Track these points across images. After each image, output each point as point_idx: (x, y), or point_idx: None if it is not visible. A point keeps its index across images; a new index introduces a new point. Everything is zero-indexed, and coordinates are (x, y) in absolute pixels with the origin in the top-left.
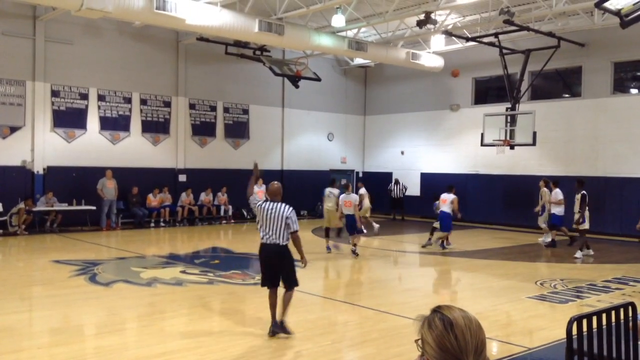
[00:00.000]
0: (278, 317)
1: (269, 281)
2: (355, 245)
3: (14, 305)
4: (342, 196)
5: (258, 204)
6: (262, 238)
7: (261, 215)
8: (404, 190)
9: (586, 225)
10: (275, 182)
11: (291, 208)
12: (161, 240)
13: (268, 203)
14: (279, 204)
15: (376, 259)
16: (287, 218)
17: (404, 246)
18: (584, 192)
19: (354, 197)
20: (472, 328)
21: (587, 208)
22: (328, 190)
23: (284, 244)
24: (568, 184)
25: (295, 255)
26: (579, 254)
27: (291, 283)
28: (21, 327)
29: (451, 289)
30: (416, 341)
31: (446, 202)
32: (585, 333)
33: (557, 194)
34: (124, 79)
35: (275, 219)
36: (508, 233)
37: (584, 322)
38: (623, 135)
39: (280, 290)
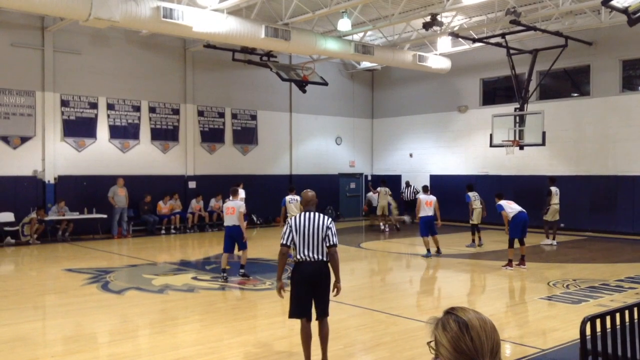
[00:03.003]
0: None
1: (305, 309)
2: (243, 267)
3: (28, 314)
4: (227, 203)
5: (292, 217)
6: (299, 256)
7: (297, 228)
8: (414, 192)
9: (547, 217)
10: (309, 190)
11: (330, 218)
12: (172, 247)
13: (304, 214)
14: (316, 213)
15: (387, 261)
16: (328, 228)
17: (413, 248)
18: (550, 188)
19: (239, 204)
20: (487, 329)
21: (549, 201)
22: (289, 197)
23: (326, 260)
24: (579, 184)
25: None
26: (547, 241)
27: (326, 309)
28: (35, 336)
29: (463, 291)
30: (429, 343)
31: (432, 204)
32: (599, 333)
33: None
34: (133, 87)
35: (315, 232)
36: None
37: (598, 322)
38: (633, 133)
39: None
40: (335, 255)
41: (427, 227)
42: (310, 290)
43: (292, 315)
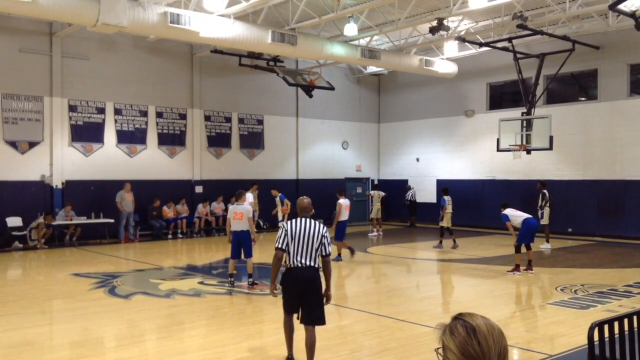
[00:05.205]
0: None
1: (293, 306)
2: (251, 276)
3: (35, 319)
4: (231, 207)
5: (286, 222)
6: (290, 262)
7: (292, 234)
8: (410, 197)
9: (544, 221)
10: (305, 197)
11: (325, 226)
12: (179, 251)
13: (299, 220)
14: (312, 220)
15: (394, 266)
16: (323, 237)
17: (420, 253)
18: (544, 191)
19: (247, 209)
20: (495, 334)
21: (546, 205)
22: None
23: (317, 266)
24: (587, 188)
25: None
26: (544, 246)
27: (320, 316)
28: (42, 341)
29: (470, 296)
30: (436, 350)
31: (348, 208)
32: (607, 339)
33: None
34: (140, 92)
35: (310, 238)
36: None
37: (606, 327)
38: None
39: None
40: (329, 264)
41: (344, 232)
42: (299, 295)
43: (287, 310)
